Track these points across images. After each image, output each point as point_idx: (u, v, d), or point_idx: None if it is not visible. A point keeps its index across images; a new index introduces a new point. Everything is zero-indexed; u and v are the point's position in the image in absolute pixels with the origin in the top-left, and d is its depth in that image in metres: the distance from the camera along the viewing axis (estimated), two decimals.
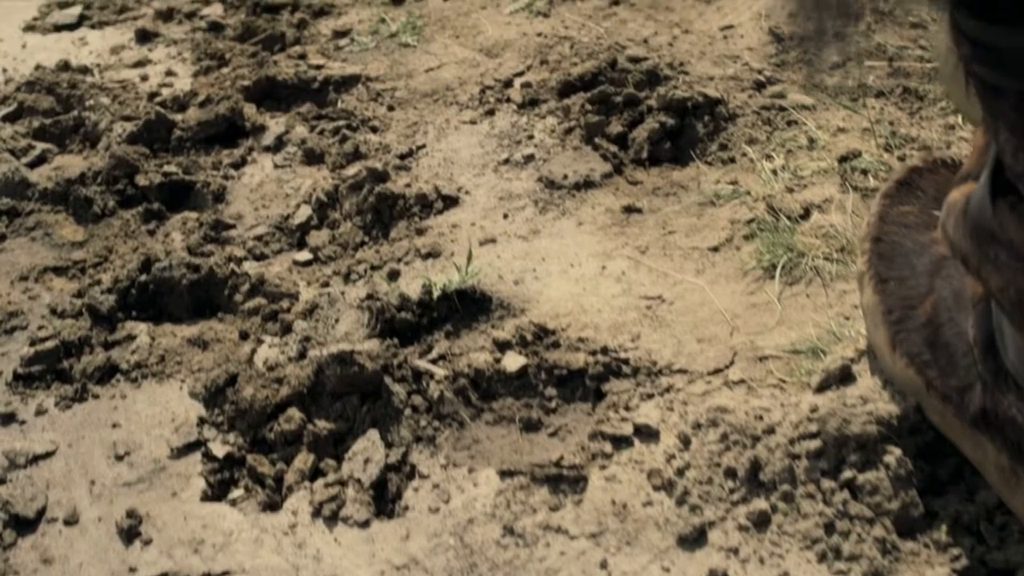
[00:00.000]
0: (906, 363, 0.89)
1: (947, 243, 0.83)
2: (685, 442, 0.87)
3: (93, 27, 1.56)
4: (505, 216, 1.14)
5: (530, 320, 1.00)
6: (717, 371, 0.94)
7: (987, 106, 0.74)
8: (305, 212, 1.19)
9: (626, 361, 0.96)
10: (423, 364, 0.98)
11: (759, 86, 1.28)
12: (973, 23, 0.70)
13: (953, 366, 0.88)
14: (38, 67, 1.45)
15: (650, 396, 0.93)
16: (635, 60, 1.33)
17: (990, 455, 0.84)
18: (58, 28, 1.57)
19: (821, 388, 0.90)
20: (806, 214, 1.07)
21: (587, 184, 1.17)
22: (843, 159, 1.14)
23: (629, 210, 1.13)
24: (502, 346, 0.98)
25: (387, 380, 0.95)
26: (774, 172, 1.13)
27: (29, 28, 1.57)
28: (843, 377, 0.91)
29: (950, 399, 0.86)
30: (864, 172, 1.11)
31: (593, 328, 0.99)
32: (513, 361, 0.97)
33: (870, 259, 0.93)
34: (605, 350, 0.97)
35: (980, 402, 0.85)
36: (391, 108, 1.33)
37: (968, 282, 0.88)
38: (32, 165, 1.31)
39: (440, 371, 0.97)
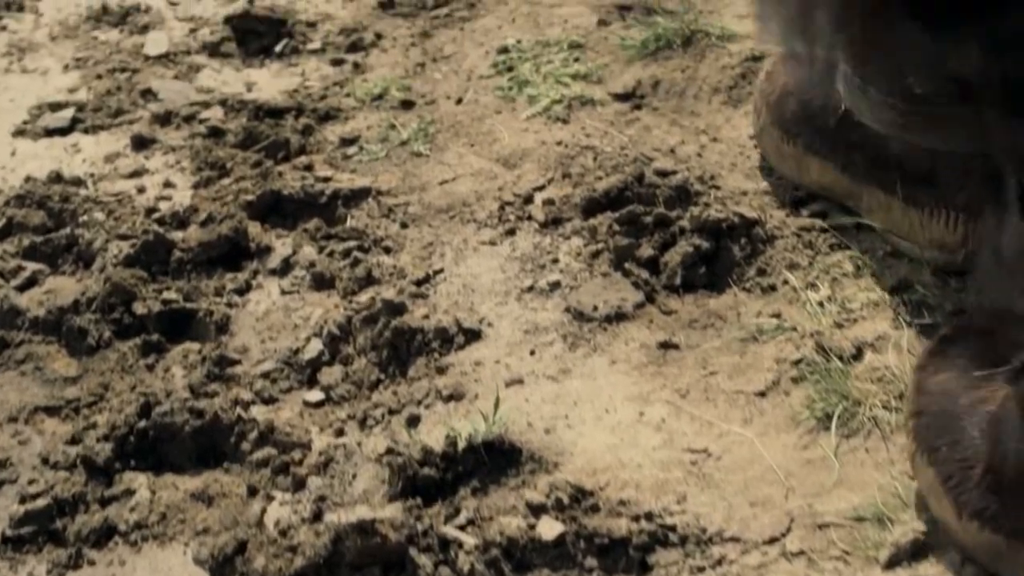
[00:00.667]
0: (977, 526, 0.84)
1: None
2: None
3: (87, 131, 1.50)
4: (532, 353, 1.08)
5: (565, 478, 0.93)
6: (773, 540, 0.88)
7: None
8: (316, 346, 1.12)
9: (673, 528, 0.89)
10: (451, 531, 0.91)
11: (797, 203, 1.22)
12: None
13: None
14: (28, 179, 1.39)
15: (701, 570, 0.86)
16: (663, 174, 1.27)
17: None
18: (49, 132, 1.50)
19: (891, 564, 0.84)
20: (859, 354, 1.01)
21: (619, 316, 1.11)
22: (894, 290, 1.08)
23: (665, 346, 1.07)
24: (536, 509, 0.92)
25: (412, 551, 0.89)
26: (820, 304, 1.07)
27: (19, 133, 1.51)
28: (915, 552, 0.84)
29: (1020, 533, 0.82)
30: (919, 305, 1.05)
31: (634, 487, 0.93)
32: (549, 528, 0.90)
33: (916, 434, 0.90)
34: (649, 515, 0.90)
35: None
36: (404, 225, 1.27)
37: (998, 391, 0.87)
38: (22, 288, 1.25)
39: (469, 539, 0.90)
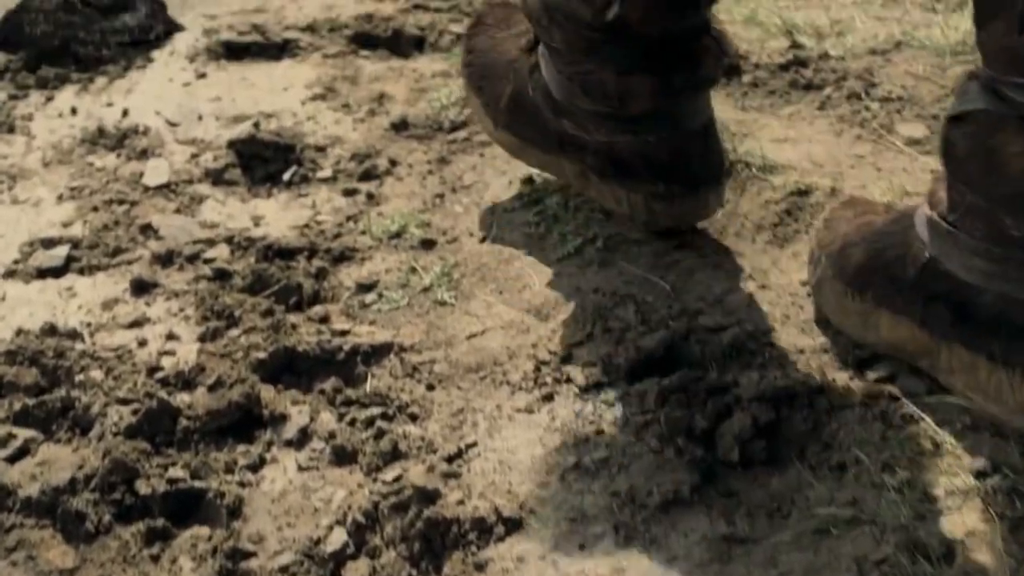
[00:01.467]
0: (508, 134, 1.42)
1: (525, 14, 1.33)
2: None
3: (82, 272, 1.42)
4: (581, 547, 0.99)
5: None
6: None
7: None
8: (340, 536, 1.03)
9: None
10: None
11: (861, 365, 1.14)
12: None
13: (534, 120, 1.37)
14: (20, 331, 1.30)
15: None
16: (712, 330, 1.19)
17: (567, 169, 1.37)
18: (42, 273, 1.42)
19: None
20: (949, 554, 0.92)
21: (676, 501, 1.02)
22: (980, 474, 0.99)
23: (729, 540, 0.98)
24: None
25: None
26: (899, 491, 0.98)
27: (9, 274, 1.42)
28: None
29: (534, 141, 1.38)
30: (1009, 494, 0.97)
31: None
32: None
33: (467, 74, 1.48)
34: None
35: (553, 131, 1.35)
36: (431, 387, 1.18)
37: (525, 58, 1.40)
38: (12, 459, 1.16)
39: None
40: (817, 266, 1.20)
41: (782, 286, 1.27)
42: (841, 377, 1.13)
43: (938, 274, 1.06)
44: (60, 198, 1.57)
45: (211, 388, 1.19)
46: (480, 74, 1.45)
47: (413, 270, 1.35)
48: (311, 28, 1.99)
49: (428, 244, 1.40)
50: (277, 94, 1.80)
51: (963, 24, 1.76)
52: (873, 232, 1.15)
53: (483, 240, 1.40)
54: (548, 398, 1.15)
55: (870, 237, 1.15)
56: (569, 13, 1.25)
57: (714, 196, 1.32)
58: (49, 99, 1.83)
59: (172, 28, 2.03)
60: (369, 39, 1.96)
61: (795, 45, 1.80)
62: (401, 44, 1.95)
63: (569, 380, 1.17)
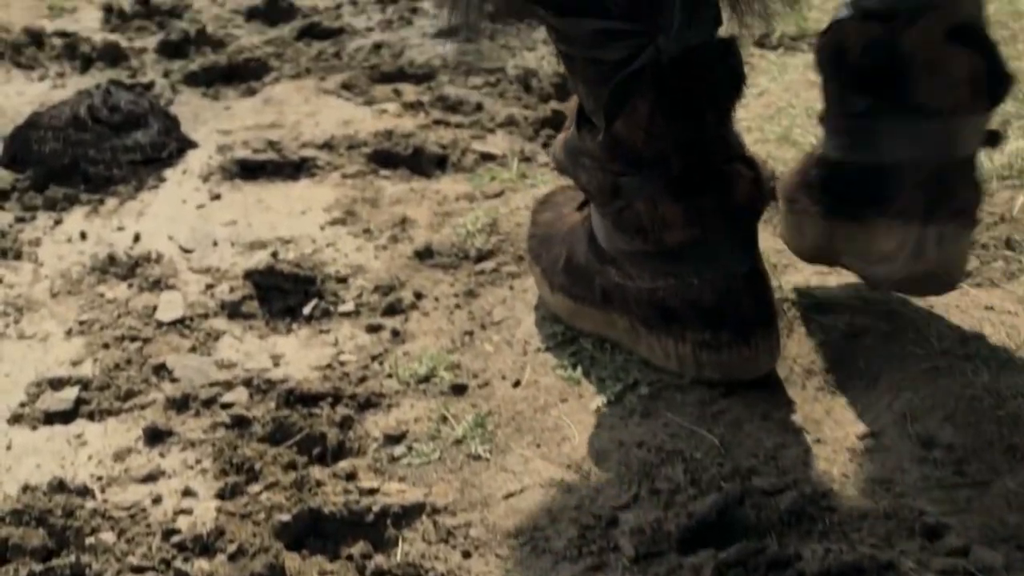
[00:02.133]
0: (562, 296, 1.42)
1: (555, 164, 1.38)
2: None
3: (92, 417, 1.36)
4: None
5: None
6: None
7: (568, 69, 1.25)
8: None
9: None
10: None
11: (929, 534, 1.08)
12: (553, 18, 1.18)
13: (585, 277, 1.37)
14: (27, 488, 1.24)
15: None
16: (768, 492, 1.13)
17: (619, 324, 1.35)
18: (50, 418, 1.36)
19: None
20: None
21: None
22: None
23: None
24: None
25: None
26: None
27: (15, 419, 1.37)
28: None
29: (586, 299, 1.38)
30: None
31: None
32: None
33: (529, 246, 1.50)
34: None
35: (599, 285, 1.35)
36: (467, 555, 1.12)
37: (577, 218, 1.44)
38: None
39: None
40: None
41: (838, 440, 1.21)
42: (911, 548, 1.06)
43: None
44: (69, 333, 1.52)
45: (232, 557, 1.13)
46: (540, 243, 1.48)
47: (444, 419, 1.30)
48: (328, 145, 1.96)
49: (459, 389, 1.35)
50: (295, 218, 1.76)
51: (1007, 145, 1.72)
52: None
53: (516, 384, 1.35)
54: (596, 569, 1.09)
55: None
56: (587, 152, 1.28)
57: (767, 345, 1.27)
58: (58, 222, 1.78)
59: (185, 145, 2.00)
60: (389, 157, 1.92)
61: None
62: (422, 163, 1.91)
63: (617, 548, 1.10)
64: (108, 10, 2.59)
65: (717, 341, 1.26)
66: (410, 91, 2.18)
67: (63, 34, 2.45)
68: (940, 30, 1.23)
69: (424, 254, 1.63)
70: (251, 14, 2.61)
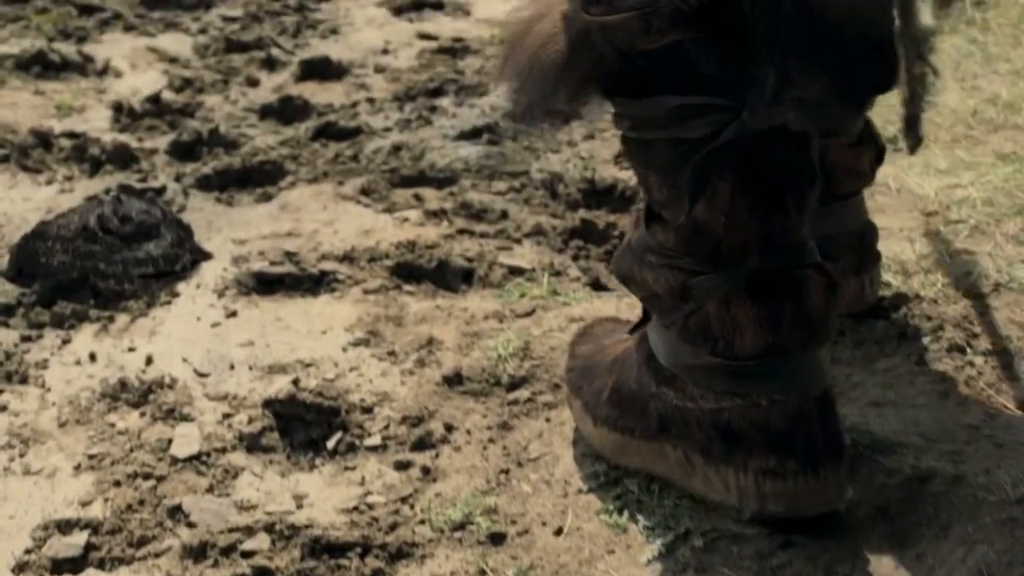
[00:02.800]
0: (607, 429, 1.34)
1: (620, 279, 1.32)
2: None
3: (103, 566, 1.29)
4: None
5: None
6: None
7: (638, 159, 1.23)
8: None
9: None
10: None
11: None
12: (630, 102, 1.19)
13: (636, 405, 1.31)
14: None
15: None
16: None
17: (671, 457, 1.28)
18: (58, 566, 1.28)
19: None
20: None
21: None
22: None
23: None
24: None
25: None
26: None
27: (20, 568, 1.29)
28: None
29: (634, 430, 1.31)
30: None
31: None
32: None
33: (569, 379, 1.43)
34: None
35: (655, 411, 1.28)
36: None
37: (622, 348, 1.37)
38: None
39: None
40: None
41: None
42: None
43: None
44: (78, 468, 1.45)
45: None
46: (581, 375, 1.41)
47: (482, 573, 1.22)
48: (349, 258, 1.90)
49: (497, 538, 1.27)
50: (315, 338, 1.69)
51: None
52: None
53: (559, 533, 1.28)
54: None
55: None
56: (656, 249, 1.24)
57: (836, 479, 1.21)
58: (65, 342, 1.72)
59: (199, 256, 1.94)
60: (412, 271, 1.87)
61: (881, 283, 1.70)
62: (447, 277, 1.86)
63: None
64: (118, 108, 2.55)
65: (783, 469, 1.19)
66: (432, 197, 2.12)
67: (71, 135, 2.40)
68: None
69: (453, 380, 1.56)
70: (265, 112, 2.56)
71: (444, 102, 2.62)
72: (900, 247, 1.80)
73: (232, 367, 1.64)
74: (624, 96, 1.20)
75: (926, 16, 2.09)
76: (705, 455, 1.24)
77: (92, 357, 1.68)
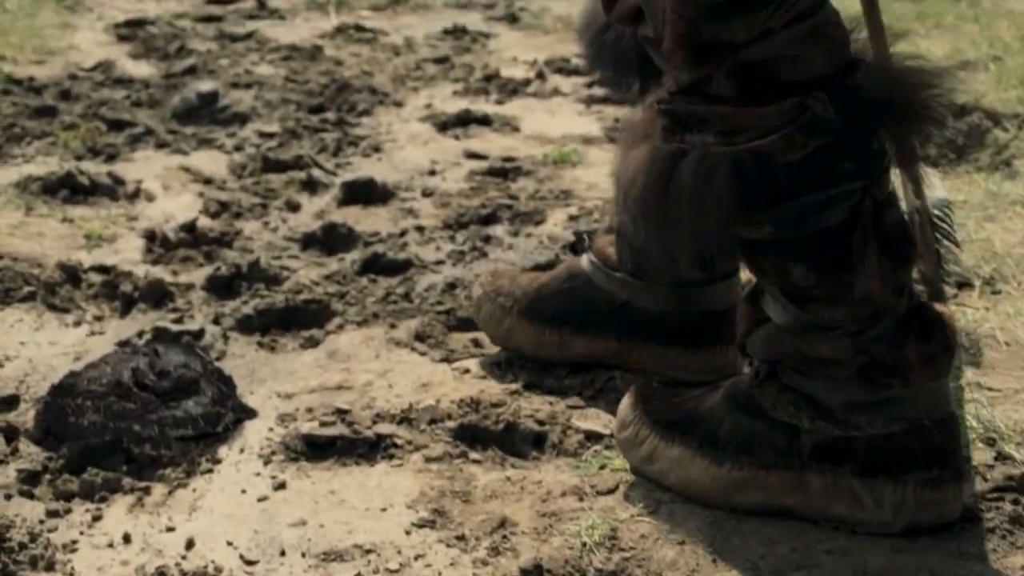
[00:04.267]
0: (728, 468, 1.49)
1: (768, 355, 1.52)
2: None
3: None
4: None
5: None
6: None
7: (781, 261, 1.45)
8: None
9: None
10: None
11: None
12: (773, 213, 1.40)
13: (779, 443, 1.48)
14: None
15: None
16: None
17: (814, 485, 1.46)
18: None
19: None
20: None
21: None
22: None
23: None
24: None
25: None
26: None
27: None
28: None
29: (770, 465, 1.48)
30: None
31: None
32: None
33: (658, 431, 1.57)
34: None
35: (807, 444, 1.46)
36: None
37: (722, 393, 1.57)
38: None
39: None
40: (505, 316, 1.89)
41: None
42: None
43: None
44: None
45: None
46: (670, 427, 1.55)
47: None
48: (407, 419, 1.77)
49: None
50: (375, 517, 1.56)
51: None
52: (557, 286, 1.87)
53: None
54: None
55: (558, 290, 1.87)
56: (822, 325, 1.44)
57: (968, 486, 1.47)
58: (96, 518, 1.58)
59: (242, 415, 1.81)
60: (477, 434, 1.73)
61: (1002, 456, 1.56)
62: (516, 441, 1.73)
63: None
64: (150, 238, 2.44)
65: (941, 478, 1.41)
66: (492, 344, 1.99)
67: (101, 268, 2.29)
68: None
69: (532, 573, 1.41)
70: (307, 242, 2.45)
71: (498, 230, 2.50)
72: (1018, 412, 1.66)
73: (283, 553, 1.50)
74: (763, 205, 1.37)
75: (938, 189, 2.02)
76: (862, 476, 1.42)
77: (126, 538, 1.54)
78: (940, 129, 1.39)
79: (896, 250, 1.41)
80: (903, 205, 2.05)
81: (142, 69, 3.72)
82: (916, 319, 1.43)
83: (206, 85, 3.33)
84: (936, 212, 1.95)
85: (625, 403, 1.61)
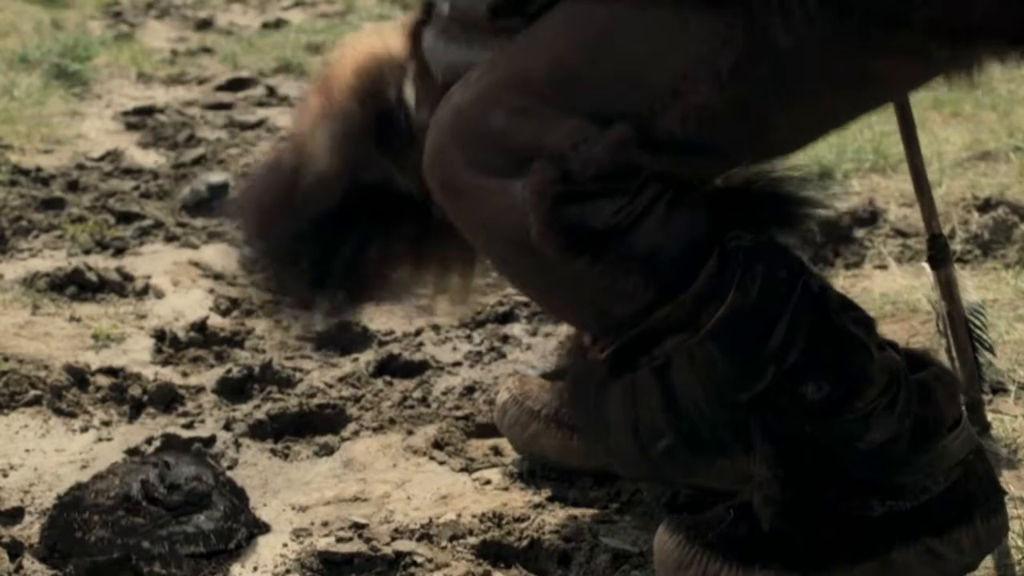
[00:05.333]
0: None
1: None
2: None
3: None
4: None
5: None
6: None
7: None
8: None
9: None
10: None
11: None
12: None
13: (848, 531, 1.47)
14: None
15: None
16: None
17: (898, 563, 1.45)
18: None
19: None
20: None
21: None
22: None
23: None
24: None
25: None
26: None
27: None
28: None
29: (853, 560, 1.46)
30: None
31: None
32: None
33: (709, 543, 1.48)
34: None
35: (878, 527, 1.45)
36: None
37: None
38: None
39: None
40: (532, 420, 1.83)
41: None
42: None
43: None
44: None
45: None
46: (740, 552, 1.47)
47: None
48: (427, 535, 1.72)
49: None
50: None
51: None
52: None
53: None
54: None
55: None
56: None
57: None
58: None
59: (255, 530, 1.76)
60: (501, 551, 1.69)
61: None
62: (540, 559, 1.68)
63: None
64: (160, 338, 2.40)
65: (998, 503, 1.46)
66: (512, 452, 1.95)
67: (109, 371, 2.25)
68: None
69: None
70: (321, 342, 2.41)
71: (516, 329, 2.47)
72: None
73: None
74: (754, 354, 1.41)
75: (971, 292, 1.98)
76: (941, 535, 1.42)
77: None
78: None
79: (858, 318, 1.43)
80: (934, 309, 2.02)
81: (151, 158, 3.71)
82: (917, 366, 1.47)
83: (216, 176, 3.32)
84: (971, 317, 1.92)
85: (671, 541, 1.49)
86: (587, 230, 1.29)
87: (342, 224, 1.55)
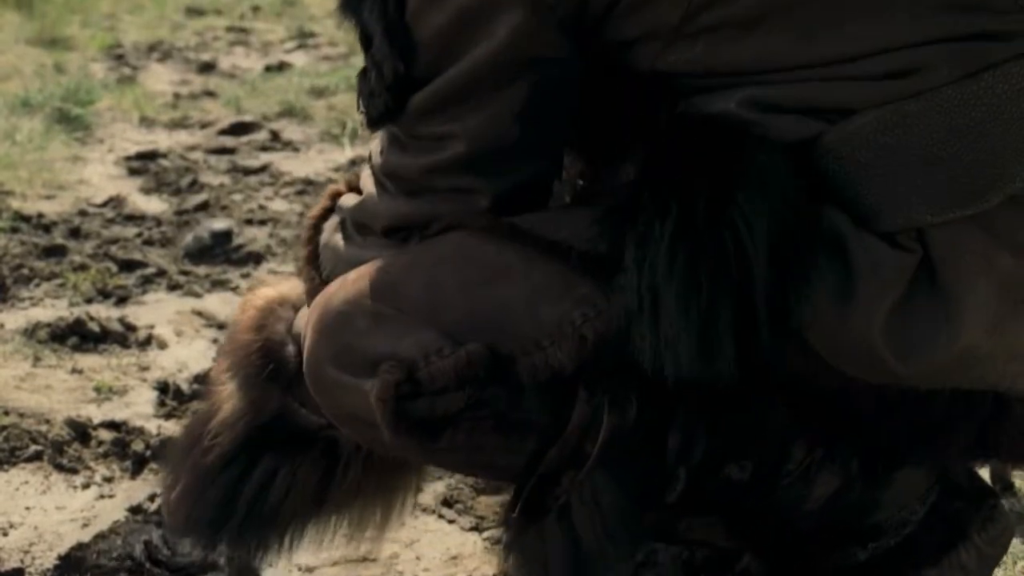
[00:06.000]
0: None
1: None
2: None
3: None
4: None
5: None
6: None
7: None
8: None
9: None
10: None
11: None
12: None
13: None
14: None
15: None
16: None
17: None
18: None
19: None
20: None
21: None
22: None
23: None
24: None
25: None
26: None
27: None
28: None
29: None
30: None
31: None
32: None
33: None
34: None
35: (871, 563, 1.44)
36: None
37: None
38: None
39: None
40: None
41: None
42: None
43: None
44: None
45: None
46: None
47: None
48: None
49: None
50: None
51: None
52: None
53: None
54: None
55: None
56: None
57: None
58: None
59: None
60: None
61: None
62: None
63: None
64: (163, 390, 2.38)
65: (994, 507, 1.44)
66: None
67: (112, 425, 2.22)
68: None
69: None
70: None
71: None
72: None
73: None
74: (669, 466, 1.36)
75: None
76: (938, 561, 1.40)
77: None
78: None
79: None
80: None
81: (153, 205, 3.69)
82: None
83: (219, 223, 3.30)
84: None
85: None
86: (438, 419, 1.25)
87: (247, 462, 1.51)
